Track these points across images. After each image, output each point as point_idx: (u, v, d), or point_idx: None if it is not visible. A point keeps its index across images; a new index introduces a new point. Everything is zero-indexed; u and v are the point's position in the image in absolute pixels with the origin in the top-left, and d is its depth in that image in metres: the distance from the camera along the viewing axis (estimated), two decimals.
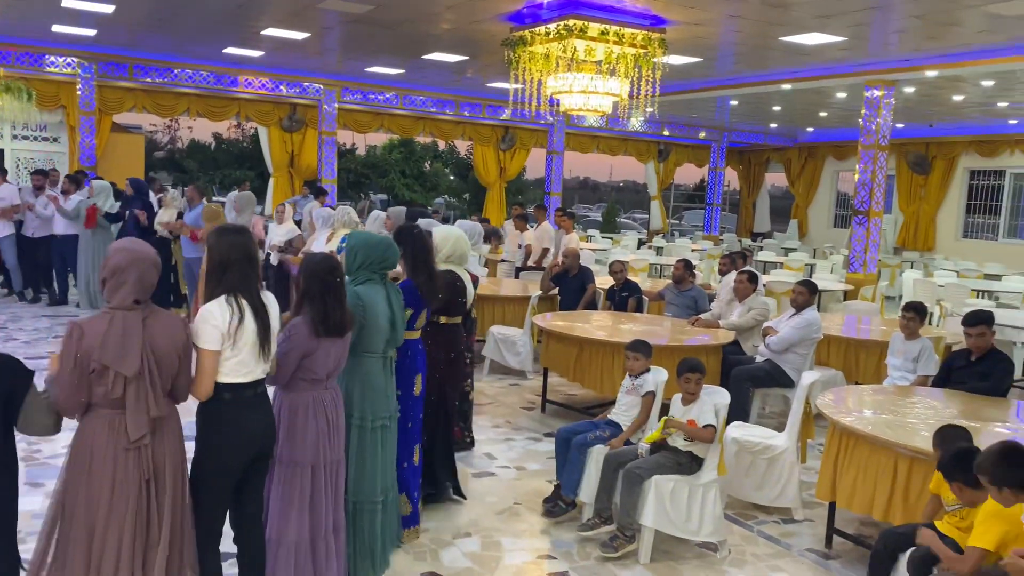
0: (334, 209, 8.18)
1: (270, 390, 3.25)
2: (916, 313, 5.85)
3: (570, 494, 4.58)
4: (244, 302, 2.95)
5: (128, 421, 2.66)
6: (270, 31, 11.37)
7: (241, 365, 2.96)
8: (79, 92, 13.93)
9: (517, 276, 10.82)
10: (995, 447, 3.09)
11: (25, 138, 14.28)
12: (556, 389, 7.29)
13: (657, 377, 4.76)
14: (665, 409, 4.60)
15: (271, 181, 17.52)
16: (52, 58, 13.59)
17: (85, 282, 10.12)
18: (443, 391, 4.63)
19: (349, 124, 17.56)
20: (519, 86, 9.83)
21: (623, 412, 4.75)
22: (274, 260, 8.88)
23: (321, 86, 15.98)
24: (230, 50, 13.26)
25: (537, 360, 7.71)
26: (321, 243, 7.90)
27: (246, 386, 3.01)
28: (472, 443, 5.75)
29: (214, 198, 18.84)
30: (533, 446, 5.96)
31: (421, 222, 5.74)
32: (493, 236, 13.00)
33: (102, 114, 14.40)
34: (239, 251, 3.00)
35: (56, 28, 11.93)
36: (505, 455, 5.72)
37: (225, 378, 2.96)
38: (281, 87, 15.69)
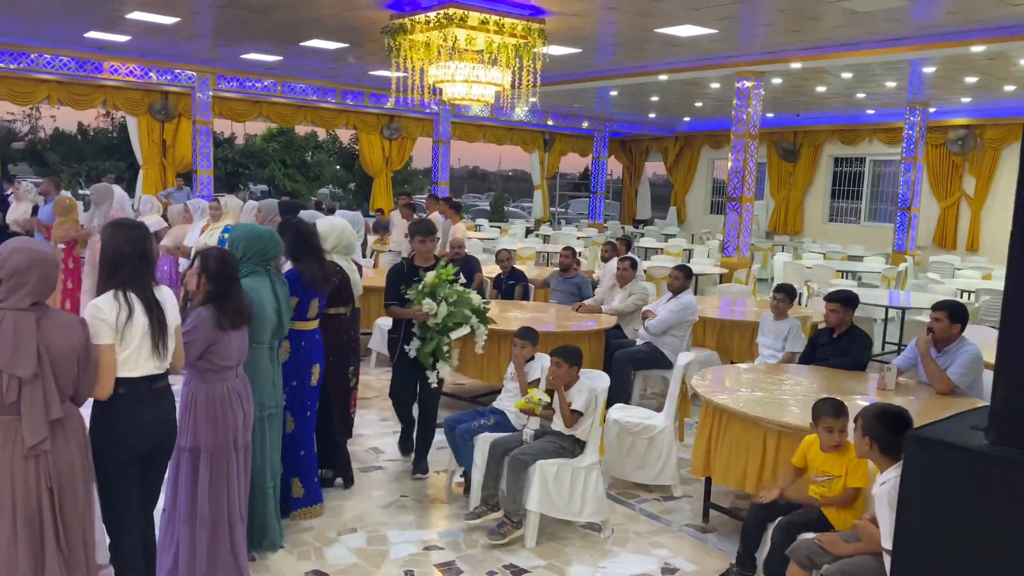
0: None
1: (177, 384, 3.28)
2: (785, 294, 6.15)
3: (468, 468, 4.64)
4: (134, 297, 2.95)
5: (24, 427, 2.59)
6: (136, 15, 10.79)
7: (131, 360, 2.96)
8: None
9: None
10: (882, 406, 3.33)
11: None
12: (449, 379, 7.26)
13: (543, 363, 4.82)
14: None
15: (140, 173, 16.69)
16: None
17: None
18: (325, 380, 4.60)
19: (225, 113, 16.94)
20: (402, 74, 9.72)
21: (509, 399, 4.80)
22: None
23: (194, 73, 15.30)
24: (92, 34, 12.50)
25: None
26: (195, 235, 7.59)
27: (140, 380, 3.00)
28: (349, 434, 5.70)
29: (80, 191, 17.84)
30: None
31: (304, 214, 5.60)
32: (381, 227, 12.85)
33: None
34: (133, 246, 3.00)
35: None
36: (392, 448, 5.67)
37: (118, 373, 2.94)
38: (151, 74, 14.93)
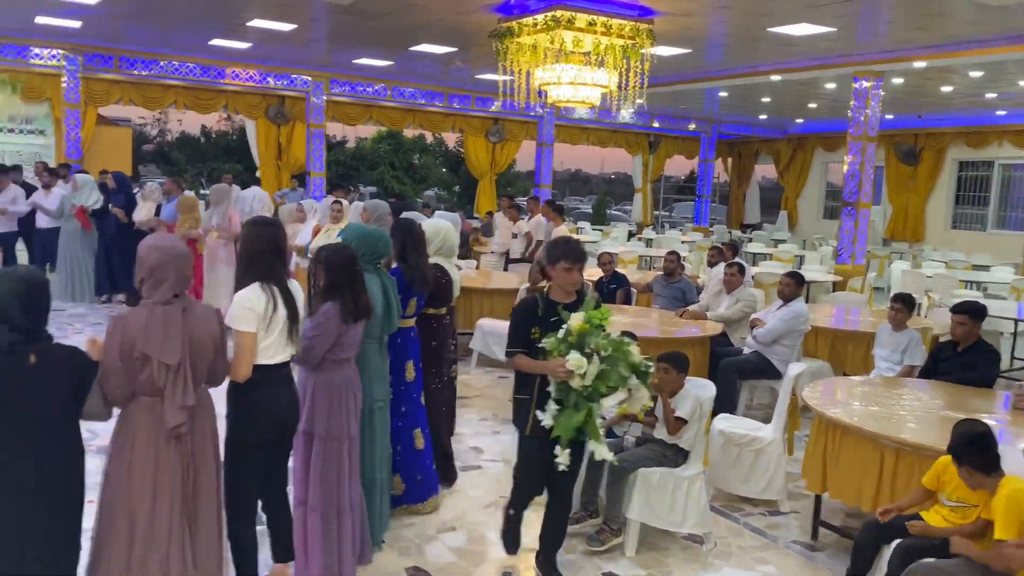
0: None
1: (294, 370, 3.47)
2: (904, 304, 5.84)
3: None
4: (275, 289, 3.18)
5: (166, 409, 2.78)
6: (256, 22, 11.27)
7: (271, 348, 3.20)
8: (64, 84, 13.79)
9: (506, 268, 10.79)
10: (963, 434, 3.27)
11: (11, 131, 14.14)
12: None
13: None
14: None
15: (258, 174, 17.42)
16: (37, 50, 13.43)
17: (67, 275, 10.05)
18: (425, 378, 4.65)
19: (338, 116, 17.47)
20: (507, 78, 9.78)
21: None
22: None
23: (309, 78, 15.88)
24: (216, 42, 13.15)
25: None
26: (306, 234, 7.84)
27: (274, 367, 3.22)
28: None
29: (201, 191, 18.76)
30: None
31: (408, 215, 5.70)
32: (486, 230, 12.98)
33: (88, 106, 14.27)
34: (268, 242, 3.23)
35: (39, 20, 11.79)
36: (492, 449, 5.70)
37: (257, 359, 3.16)
38: (269, 79, 15.58)
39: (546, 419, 3.46)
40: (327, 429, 3.53)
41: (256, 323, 3.13)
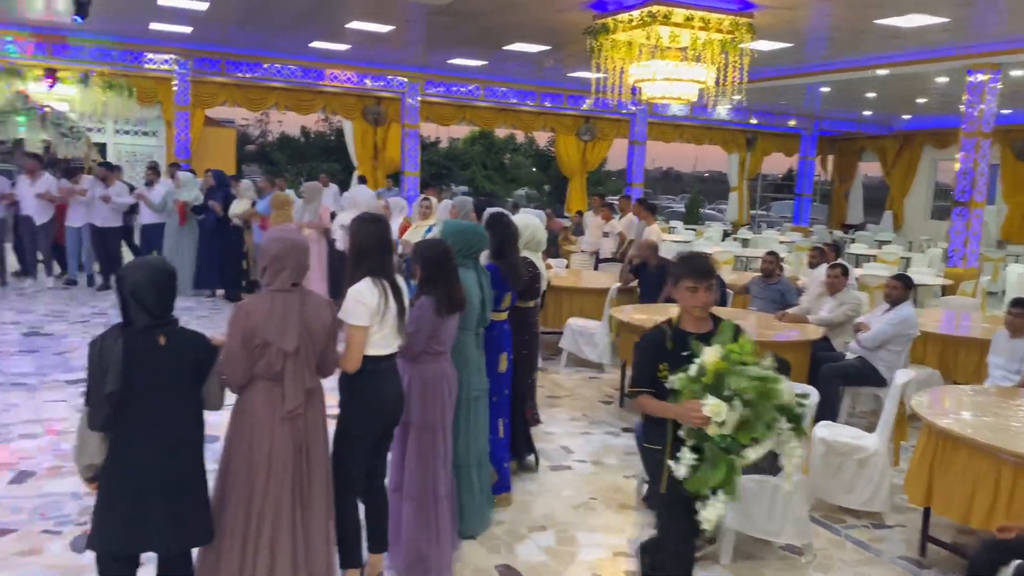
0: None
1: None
2: None
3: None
4: (386, 283, 3.27)
5: (286, 393, 2.93)
6: (355, 24, 11.54)
7: (383, 340, 3.29)
8: (175, 88, 14.46)
9: (596, 268, 10.70)
10: None
11: (126, 132, 14.92)
12: None
13: None
14: None
15: (354, 174, 17.83)
16: (150, 55, 14.14)
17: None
18: (517, 371, 4.79)
19: (432, 117, 17.71)
20: (601, 75, 9.69)
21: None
22: (340, 245, 8.99)
23: (405, 79, 16.15)
24: (317, 44, 13.53)
25: (615, 353, 7.60)
26: (393, 231, 7.99)
27: (383, 358, 3.32)
28: (538, 421, 5.85)
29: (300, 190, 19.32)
30: (611, 441, 5.87)
31: (493, 211, 5.73)
32: (577, 229, 12.91)
33: (196, 108, 14.91)
34: (375, 238, 3.33)
35: (153, 26, 12.40)
36: (582, 449, 5.65)
37: (370, 351, 3.26)
38: (366, 80, 15.93)
39: (680, 469, 2.86)
40: (422, 419, 3.63)
41: (368, 317, 3.21)
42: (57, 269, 11.37)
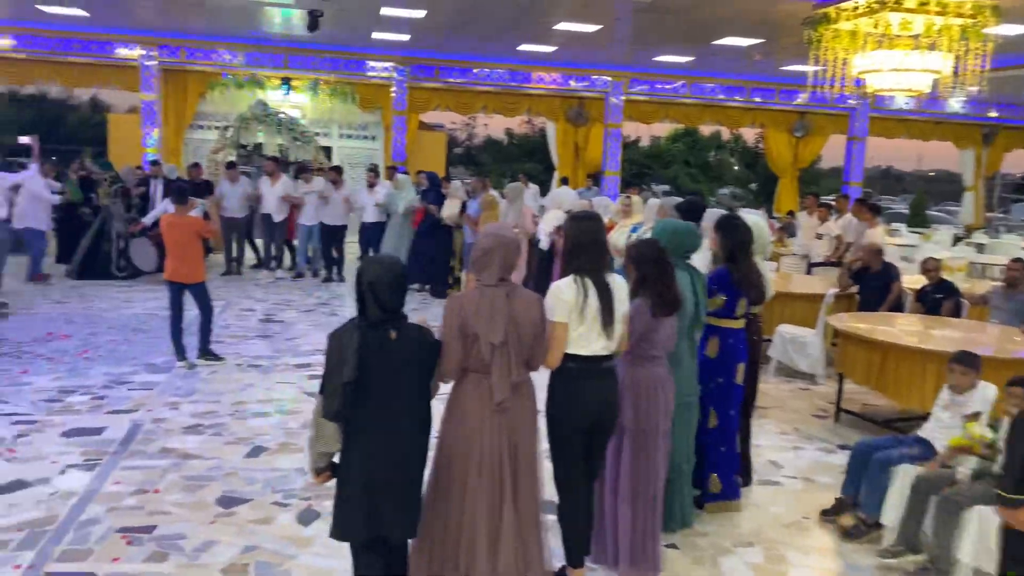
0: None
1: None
2: None
3: (874, 512, 4.14)
4: (589, 281, 3.24)
5: (493, 385, 3.01)
6: (562, 25, 11.65)
7: (584, 338, 3.25)
8: (393, 94, 15.33)
9: (808, 272, 10.10)
10: None
11: (349, 137, 16.01)
12: (852, 397, 6.66)
13: (985, 394, 4.13)
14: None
15: (555, 174, 18.05)
16: (372, 63, 15.09)
17: None
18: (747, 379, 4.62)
19: (634, 115, 17.53)
20: (819, 68, 9.11)
21: (939, 430, 4.19)
22: (545, 245, 9.11)
23: (609, 78, 16.12)
24: (524, 47, 13.81)
25: (830, 364, 7.12)
26: None
27: (591, 359, 3.29)
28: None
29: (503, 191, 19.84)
30: (824, 457, 5.49)
31: (711, 212, 5.52)
32: (788, 230, 12.27)
33: (411, 113, 15.72)
34: (588, 236, 3.33)
35: (376, 35, 13.20)
36: (792, 464, 5.33)
37: (570, 348, 3.25)
38: (570, 81, 16.06)
39: None
40: (635, 423, 3.58)
41: (566, 313, 3.21)
42: (287, 262, 12.45)
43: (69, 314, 8.67)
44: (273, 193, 11.66)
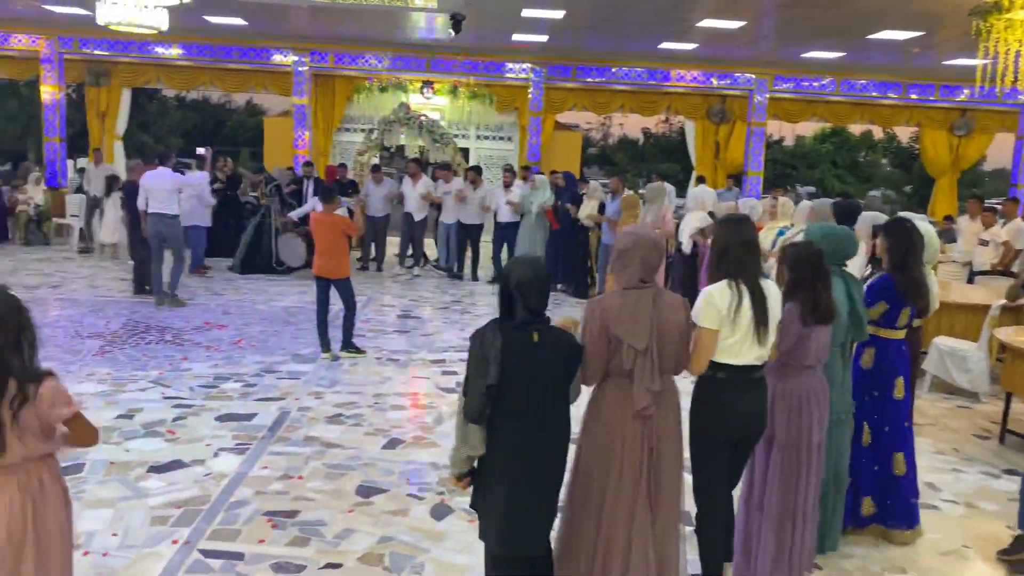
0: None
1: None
2: None
3: None
4: (744, 287, 3.10)
5: (635, 391, 2.92)
6: (705, 22, 11.34)
7: (735, 346, 3.12)
8: (530, 95, 15.43)
9: (970, 281, 9.38)
10: None
11: (486, 138, 16.24)
12: (1020, 418, 6.13)
13: None
14: None
15: (693, 174, 17.62)
16: (510, 65, 15.24)
17: None
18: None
19: (779, 114, 16.85)
20: (987, 61, 8.43)
21: None
22: (686, 247, 8.90)
23: (753, 75, 15.58)
24: (665, 45, 13.55)
25: (994, 381, 6.57)
26: None
27: (739, 368, 3.16)
28: None
29: (639, 191, 19.60)
30: (988, 482, 5.06)
31: (867, 215, 5.22)
32: (947, 236, 11.46)
33: (547, 114, 15.77)
34: (738, 239, 3.19)
35: (515, 37, 13.32)
36: (951, 488, 4.94)
37: (719, 357, 3.14)
38: (712, 79, 15.64)
39: None
40: (786, 436, 3.44)
41: (718, 320, 3.09)
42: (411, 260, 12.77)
43: (225, 305, 9.23)
44: (414, 193, 12.02)
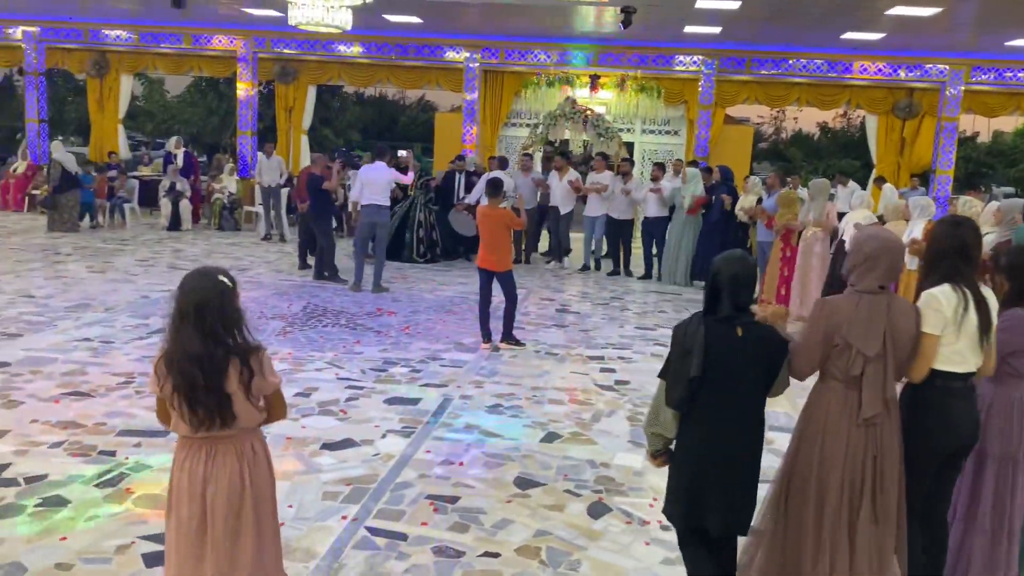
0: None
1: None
2: None
3: None
4: (967, 291, 2.99)
5: (864, 399, 2.83)
6: (896, 10, 10.60)
7: (957, 354, 2.99)
8: (700, 88, 15.03)
9: None
10: None
11: (651, 132, 15.99)
12: None
13: None
14: None
15: (873, 172, 16.55)
16: (680, 58, 14.92)
17: (672, 259, 11.17)
18: None
19: (975, 108, 15.51)
20: None
21: None
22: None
23: (946, 67, 14.41)
24: (848, 35, 12.80)
25: None
26: (915, 234, 7.17)
27: (957, 376, 3.02)
28: None
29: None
30: None
31: None
32: None
33: (717, 107, 15.31)
34: (954, 242, 3.05)
35: (687, 29, 13.02)
36: None
37: (939, 365, 2.99)
38: (899, 71, 14.62)
39: None
40: (1001, 448, 3.26)
41: (941, 326, 2.95)
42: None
43: (394, 293, 9.62)
44: (561, 186, 12.04)
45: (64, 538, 3.62)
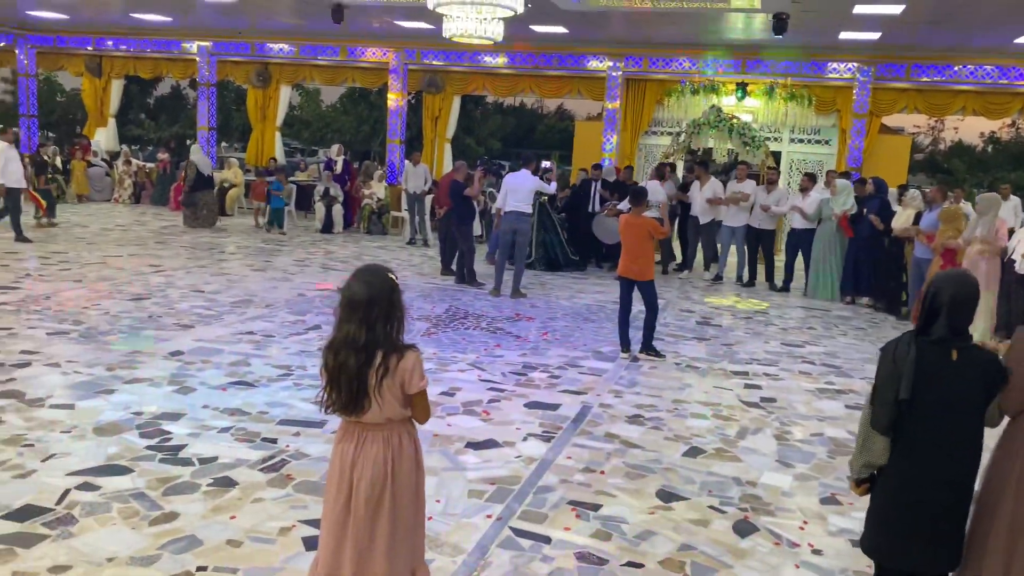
0: None
1: None
2: None
3: None
4: None
5: None
6: None
7: None
8: (854, 96, 14.36)
9: None
10: None
11: (800, 141, 15.41)
12: None
13: None
14: None
15: None
16: (833, 64, 14.30)
17: (814, 272, 10.84)
18: None
19: None
20: None
21: None
22: (1020, 269, 7.90)
23: None
24: (1021, 39, 11.89)
25: None
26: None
27: None
28: None
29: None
30: None
31: None
32: None
33: (873, 116, 14.58)
34: None
35: (843, 35, 12.48)
36: None
37: None
38: None
39: None
40: None
41: None
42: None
43: (533, 299, 9.73)
44: (701, 196, 11.84)
45: (233, 516, 3.89)
